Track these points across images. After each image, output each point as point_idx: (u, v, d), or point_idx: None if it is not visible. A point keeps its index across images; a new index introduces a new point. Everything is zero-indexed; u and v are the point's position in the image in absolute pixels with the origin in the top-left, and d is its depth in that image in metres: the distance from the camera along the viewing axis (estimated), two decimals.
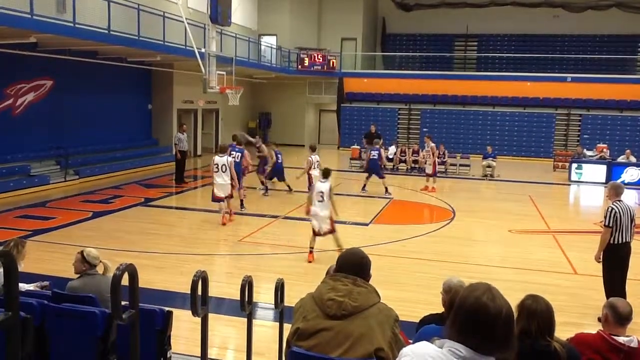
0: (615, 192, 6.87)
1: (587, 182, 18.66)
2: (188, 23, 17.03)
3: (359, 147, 22.18)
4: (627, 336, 3.47)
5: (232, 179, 11.51)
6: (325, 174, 9.16)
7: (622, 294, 6.14)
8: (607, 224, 6.65)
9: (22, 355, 2.82)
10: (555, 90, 25.83)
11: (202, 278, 3.76)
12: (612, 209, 6.64)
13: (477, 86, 26.67)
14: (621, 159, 19.59)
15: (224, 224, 11.33)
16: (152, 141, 21.52)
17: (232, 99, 18.17)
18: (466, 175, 19.81)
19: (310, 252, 8.90)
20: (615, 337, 3.44)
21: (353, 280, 2.73)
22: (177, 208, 14.05)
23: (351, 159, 21.66)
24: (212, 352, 5.00)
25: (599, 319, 3.71)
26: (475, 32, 29.77)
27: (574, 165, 19.21)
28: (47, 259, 8.41)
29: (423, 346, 1.93)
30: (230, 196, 11.59)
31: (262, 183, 15.01)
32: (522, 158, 25.42)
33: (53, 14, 13.58)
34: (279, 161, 14.68)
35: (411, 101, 27.65)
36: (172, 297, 7.04)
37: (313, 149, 13.70)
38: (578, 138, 25.23)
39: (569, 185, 18.79)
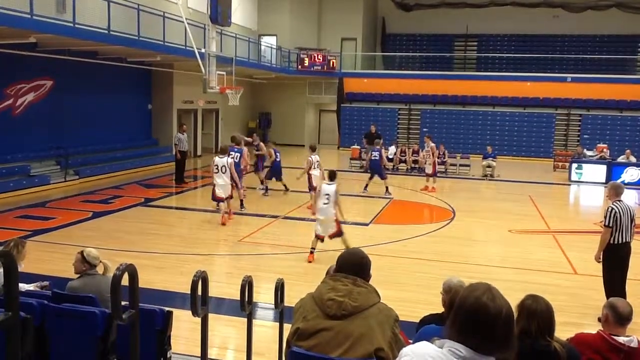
0: (615, 192, 6.87)
1: (587, 182, 18.66)
2: (188, 23, 17.03)
3: (359, 147, 22.19)
4: (627, 336, 3.47)
5: (232, 179, 11.56)
6: (332, 176, 9.13)
7: (622, 294, 6.14)
8: (607, 224, 6.65)
9: (22, 355, 2.82)
10: (555, 90, 25.83)
11: (202, 278, 3.76)
12: (612, 209, 6.64)
13: (477, 86, 26.67)
14: (621, 159, 19.60)
15: (223, 224, 11.33)
16: (152, 141, 21.52)
17: (232, 99, 18.17)
18: (466, 175, 19.81)
19: (311, 252, 8.89)
20: (615, 337, 3.44)
21: (353, 280, 2.73)
22: (177, 208, 14.05)
23: (351, 159, 21.67)
24: (212, 352, 5.00)
25: (599, 319, 3.71)
26: (475, 32, 29.77)
27: (574, 165, 19.21)
28: (47, 259, 8.41)
29: (423, 346, 1.93)
30: (230, 197, 11.62)
31: (262, 182, 15.02)
32: (522, 158, 25.42)
33: (53, 14, 13.58)
34: (278, 160, 14.71)
35: (411, 101, 27.65)
36: (172, 297, 7.04)
37: (313, 149, 13.70)
38: (578, 138, 25.24)
39: (569, 185, 18.79)
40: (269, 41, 27.36)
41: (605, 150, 21.22)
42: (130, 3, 15.76)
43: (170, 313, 3.99)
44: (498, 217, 12.93)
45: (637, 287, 7.23)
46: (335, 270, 2.89)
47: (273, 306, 4.65)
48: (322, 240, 8.84)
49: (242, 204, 12.62)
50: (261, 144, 15.70)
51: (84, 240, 9.07)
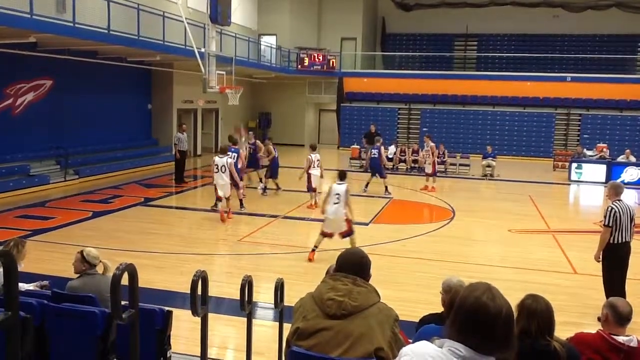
0: (615, 192, 6.87)
1: (587, 182, 18.66)
2: (188, 23, 17.03)
3: (358, 146, 22.20)
4: (627, 336, 3.47)
5: (232, 179, 11.66)
6: (342, 176, 9.19)
7: (622, 294, 6.15)
8: (606, 223, 6.66)
9: (22, 355, 2.82)
10: (555, 90, 25.83)
11: (201, 278, 3.76)
12: (612, 208, 6.65)
13: (477, 86, 26.67)
14: (621, 158, 19.60)
15: (222, 221, 11.41)
16: (152, 141, 21.51)
17: (232, 98, 18.17)
18: (466, 175, 19.81)
19: (313, 250, 8.90)
20: (615, 337, 3.44)
21: (353, 280, 2.73)
22: (177, 208, 14.04)
23: (351, 158, 21.67)
24: (212, 352, 5.00)
25: (599, 319, 3.71)
26: (475, 32, 29.76)
27: (574, 165, 19.21)
28: (47, 258, 8.40)
29: (423, 346, 1.93)
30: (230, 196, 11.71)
31: (261, 180, 15.05)
32: (522, 158, 25.42)
33: (53, 13, 13.58)
34: (276, 155, 14.77)
35: (411, 101, 27.65)
36: (172, 297, 7.04)
37: (313, 148, 13.71)
38: (578, 138, 25.23)
39: (569, 185, 18.80)
40: (268, 41, 27.35)
41: (605, 150, 21.21)
42: (130, 3, 15.75)
43: (170, 313, 3.99)
44: (498, 217, 12.93)
45: (637, 287, 7.23)
46: (335, 270, 2.89)
47: (273, 306, 4.65)
48: (331, 237, 8.86)
49: (241, 204, 12.63)
50: (257, 142, 15.74)
51: (83, 240, 9.07)
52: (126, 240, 9.98)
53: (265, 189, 14.86)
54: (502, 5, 27.83)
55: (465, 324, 1.85)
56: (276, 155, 14.81)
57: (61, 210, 12.45)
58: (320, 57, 27.70)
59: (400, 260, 9.21)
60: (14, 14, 11.71)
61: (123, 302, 2.96)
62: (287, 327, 3.01)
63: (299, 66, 27.62)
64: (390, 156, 20.48)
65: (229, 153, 12.23)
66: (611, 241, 6.65)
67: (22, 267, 4.89)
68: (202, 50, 16.61)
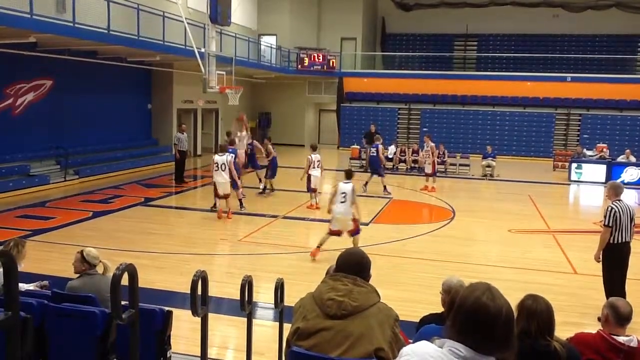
0: (614, 192, 6.87)
1: (586, 182, 18.66)
2: (188, 23, 17.03)
3: (358, 146, 22.20)
4: (627, 336, 3.47)
5: (231, 177, 11.74)
6: (348, 175, 9.24)
7: (622, 294, 6.15)
8: (606, 223, 6.66)
9: (22, 355, 2.82)
10: (555, 90, 25.83)
11: (202, 278, 3.76)
12: (612, 208, 6.65)
13: (477, 86, 26.67)
14: (621, 158, 19.60)
15: (219, 218, 11.55)
16: (152, 141, 21.51)
17: (231, 98, 18.17)
18: (466, 175, 19.81)
19: (318, 247, 8.90)
20: (615, 337, 3.44)
21: (353, 280, 2.73)
22: (177, 208, 14.05)
23: (351, 158, 21.64)
24: (212, 352, 5.00)
25: (599, 319, 3.71)
26: (475, 32, 29.75)
27: (574, 165, 19.21)
28: (47, 259, 8.40)
29: (423, 346, 1.93)
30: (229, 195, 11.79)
31: (260, 180, 15.05)
32: (522, 158, 25.42)
33: (52, 13, 13.58)
34: (275, 155, 14.80)
35: (411, 101, 27.65)
36: (172, 297, 7.04)
37: (314, 148, 13.71)
38: (578, 138, 25.23)
39: (569, 185, 18.79)
40: (268, 41, 27.35)
41: (605, 150, 21.22)
42: (130, 3, 15.75)
43: (170, 313, 3.99)
44: (498, 217, 12.93)
45: (637, 287, 7.22)
46: (335, 270, 2.89)
47: (273, 306, 4.65)
48: (340, 235, 8.87)
49: (241, 204, 12.63)
50: (255, 142, 15.75)
51: (83, 240, 9.07)
52: (126, 240, 9.98)
53: (265, 189, 14.87)
54: (502, 5, 27.83)
55: (465, 324, 1.85)
56: (275, 155, 14.82)
57: (61, 210, 12.45)
58: (320, 57, 27.69)
59: (400, 260, 9.21)
60: (14, 14, 11.70)
61: (123, 302, 2.95)
62: (287, 327, 3.00)
63: (299, 66, 27.62)
64: (390, 156, 20.49)
65: (228, 150, 12.32)
66: (611, 241, 6.65)
67: (22, 267, 4.88)
68: (202, 50, 16.62)
